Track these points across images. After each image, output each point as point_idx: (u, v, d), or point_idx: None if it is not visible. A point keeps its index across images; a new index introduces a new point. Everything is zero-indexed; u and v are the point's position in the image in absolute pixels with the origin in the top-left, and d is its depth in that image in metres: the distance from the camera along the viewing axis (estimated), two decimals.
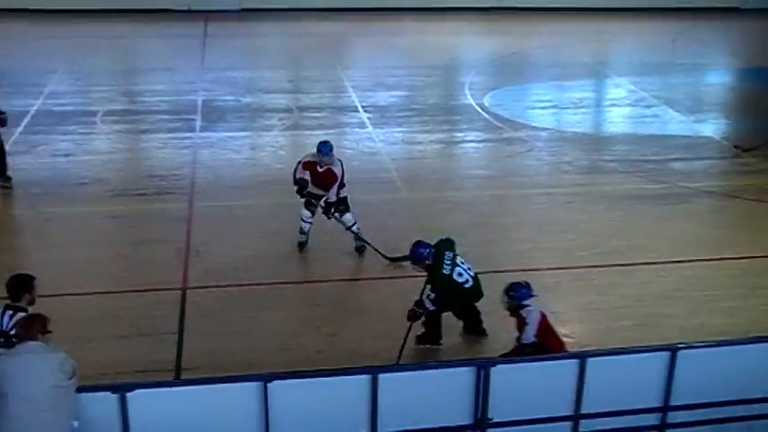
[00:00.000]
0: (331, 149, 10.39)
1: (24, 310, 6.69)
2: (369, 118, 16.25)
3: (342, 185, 10.56)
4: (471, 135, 15.75)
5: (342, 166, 10.53)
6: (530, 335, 7.89)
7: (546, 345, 7.87)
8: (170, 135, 15.16)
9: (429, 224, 11.60)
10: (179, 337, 8.81)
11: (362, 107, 16.89)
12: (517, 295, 8.14)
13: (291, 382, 6.70)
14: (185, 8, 26.06)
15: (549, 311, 9.41)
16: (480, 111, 16.89)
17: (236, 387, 6.63)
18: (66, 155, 14.05)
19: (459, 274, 8.75)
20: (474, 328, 9.15)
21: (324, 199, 10.53)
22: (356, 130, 15.70)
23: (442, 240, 9.01)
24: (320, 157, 10.35)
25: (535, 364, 7.18)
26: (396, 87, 18.60)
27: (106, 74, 19.44)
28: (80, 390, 6.07)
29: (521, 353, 7.80)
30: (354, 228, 10.70)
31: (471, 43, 24.12)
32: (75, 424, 5.99)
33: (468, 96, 17.86)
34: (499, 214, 12.24)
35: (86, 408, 6.19)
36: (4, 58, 20.11)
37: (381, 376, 6.62)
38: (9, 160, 12.88)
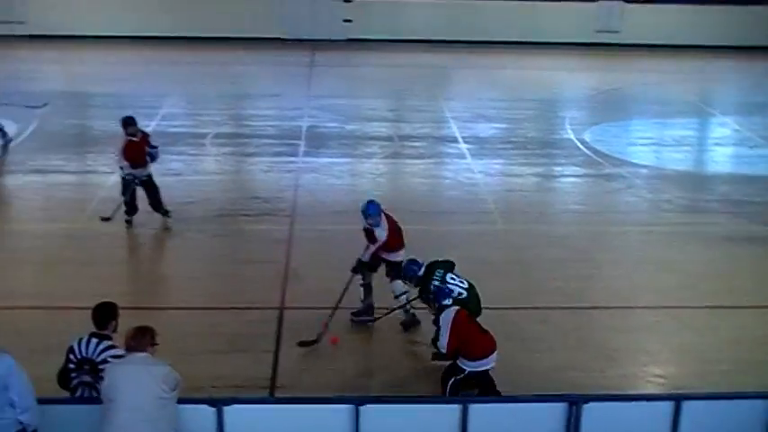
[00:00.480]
0: (373, 212, 9.73)
1: (109, 338, 6.74)
2: (468, 149, 16.40)
3: (390, 249, 9.78)
4: (570, 170, 15.73)
5: (391, 228, 9.78)
6: (443, 343, 7.86)
7: (468, 344, 7.88)
8: (275, 159, 15.65)
9: (524, 257, 11.71)
10: (275, 355, 9.09)
11: (462, 138, 17.05)
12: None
13: (383, 407, 6.84)
14: (293, 37, 26.79)
15: (644, 350, 9.44)
16: (580, 146, 16.84)
17: (328, 409, 6.84)
18: (177, 174, 14.64)
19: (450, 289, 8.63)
20: None
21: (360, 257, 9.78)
22: (455, 160, 15.87)
23: (438, 261, 8.92)
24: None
25: (629, 403, 7.17)
26: (496, 120, 18.71)
27: (216, 98, 20.16)
28: (180, 402, 6.34)
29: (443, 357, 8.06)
30: (402, 298, 9.64)
31: (573, 78, 24.05)
32: None
33: (569, 131, 17.84)
34: (596, 250, 12.19)
35: (185, 419, 6.47)
36: (124, 82, 21.13)
37: (472, 407, 6.73)
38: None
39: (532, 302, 10.45)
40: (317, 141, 16.71)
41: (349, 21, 27.06)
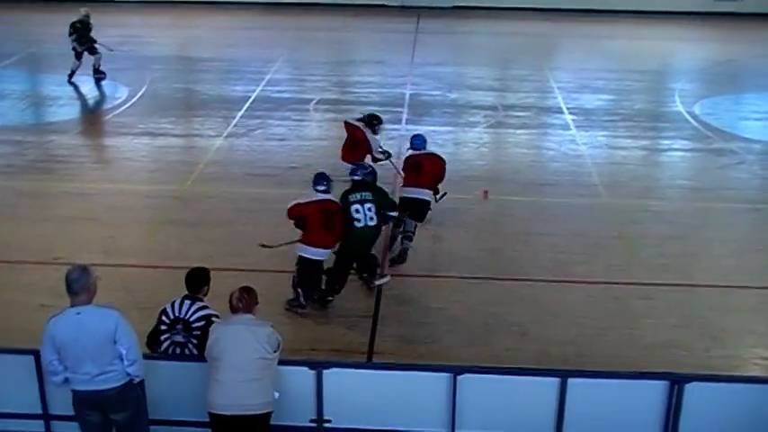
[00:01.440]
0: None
1: (202, 300, 6.98)
2: (573, 120, 16.11)
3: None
4: (678, 143, 15.27)
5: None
6: None
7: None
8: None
9: (628, 231, 11.48)
10: (373, 321, 9.17)
11: (567, 109, 16.76)
12: None
13: (481, 377, 6.84)
14: (399, 4, 26.73)
15: (750, 331, 9.16)
16: (690, 119, 16.33)
17: (427, 376, 6.90)
18: (281, 139, 14.88)
19: (357, 211, 9.08)
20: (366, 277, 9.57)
21: None
22: (560, 131, 15.61)
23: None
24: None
25: (733, 385, 6.97)
26: (603, 91, 18.30)
27: (321, 65, 20.33)
28: (281, 363, 6.50)
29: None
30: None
31: (685, 49, 23.30)
32: (276, 395, 6.41)
33: (678, 103, 17.31)
34: (703, 227, 11.84)
35: (286, 380, 6.63)
36: (232, 48, 21.57)
37: (571, 381, 6.68)
38: (229, 141, 13.89)
39: (636, 278, 10.23)
40: (421, 109, 16.68)
41: None
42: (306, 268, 9.10)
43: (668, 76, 20.16)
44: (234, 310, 6.46)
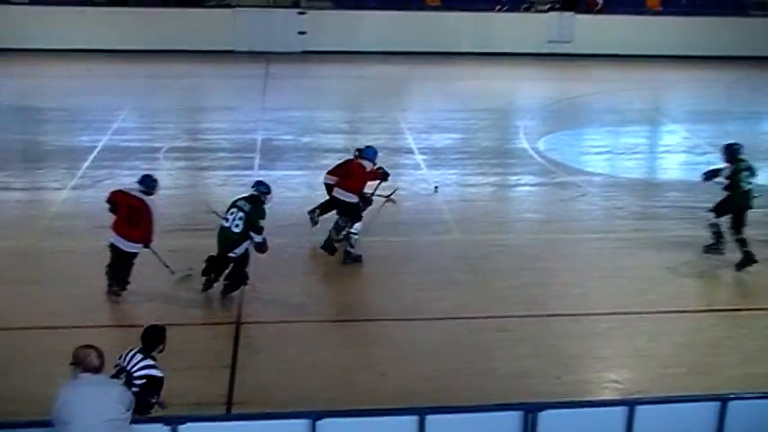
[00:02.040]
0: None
1: (153, 357, 7.01)
2: (424, 160, 16.46)
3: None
4: (525, 179, 15.86)
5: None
6: None
7: None
8: (230, 173, 15.54)
9: (480, 266, 11.78)
10: (231, 371, 9.02)
11: (418, 149, 17.12)
12: None
13: (340, 420, 6.82)
14: (248, 50, 26.73)
15: (598, 357, 9.54)
16: (534, 155, 17.00)
17: (285, 424, 6.81)
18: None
19: (231, 214, 10.26)
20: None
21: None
22: (411, 171, 15.89)
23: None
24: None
25: (583, 410, 7.23)
26: (451, 130, 18.81)
27: (170, 112, 20.04)
28: (134, 421, 6.29)
29: None
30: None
31: (527, 88, 24.30)
32: None
33: (523, 140, 17.99)
34: (550, 258, 12.28)
35: None
36: (76, 96, 20.93)
37: (429, 417, 6.74)
38: (75, 194, 13.43)
39: (489, 311, 10.51)
40: (273, 154, 16.64)
41: (303, 33, 27.07)
42: (112, 256, 10.21)
43: (512, 114, 20.90)
44: (88, 368, 6.18)
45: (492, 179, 15.76)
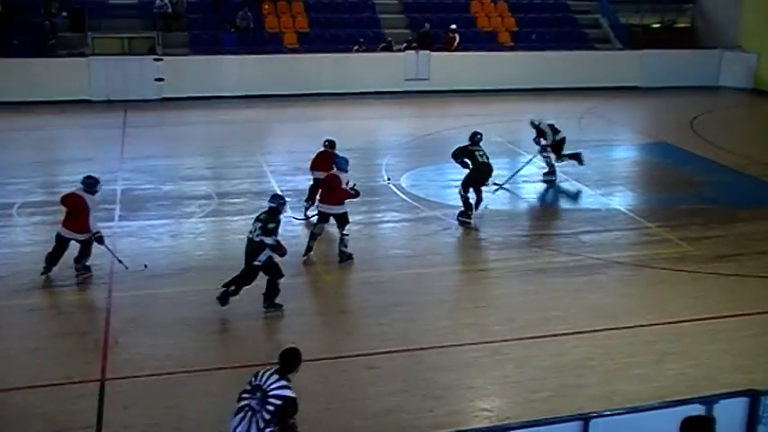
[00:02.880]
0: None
1: (288, 378, 7.25)
2: (288, 202, 16.40)
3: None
4: (389, 215, 16.06)
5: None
6: None
7: None
8: None
9: (349, 305, 11.84)
10: (97, 430, 8.72)
11: (282, 192, 17.07)
12: None
13: None
14: (105, 98, 26.16)
15: (469, 387, 9.72)
16: (397, 191, 17.28)
17: None
18: None
19: (252, 225, 11.52)
20: None
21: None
22: None
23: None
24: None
25: None
26: None
27: (24, 166, 19.26)
28: None
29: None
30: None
31: (388, 126, 24.72)
32: None
33: (385, 177, 18.24)
34: (418, 292, 12.47)
35: None
36: None
37: None
38: None
39: (360, 349, 10.57)
40: (134, 204, 16.27)
41: (161, 80, 26.75)
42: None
43: (374, 152, 21.12)
44: None
45: (357, 217, 15.79)
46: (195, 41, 28.97)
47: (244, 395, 7.26)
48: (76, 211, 12.44)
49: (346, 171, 13.97)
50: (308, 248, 13.64)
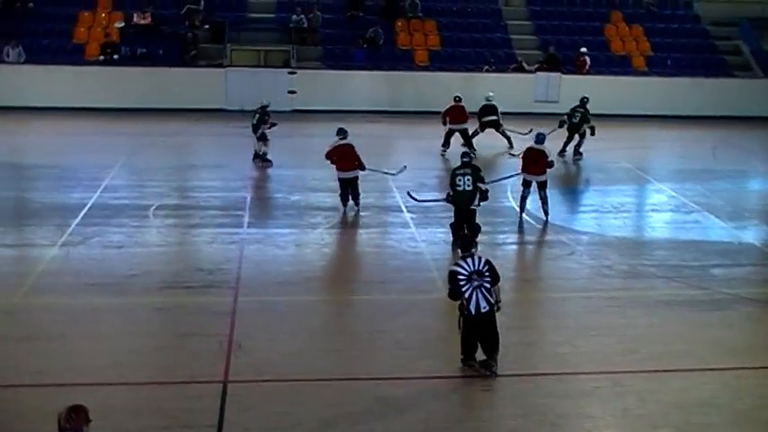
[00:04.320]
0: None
1: None
2: (412, 218, 16.55)
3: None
4: (512, 237, 15.94)
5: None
6: None
7: None
8: (219, 230, 15.59)
9: None
10: (218, 430, 8.96)
11: (406, 207, 17.21)
12: None
13: None
14: (239, 108, 26.99)
15: (587, 416, 9.52)
16: (522, 213, 17.10)
17: None
18: (119, 247, 14.50)
19: (459, 179, 14.44)
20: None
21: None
22: (399, 229, 15.99)
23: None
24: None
25: None
26: (439, 188, 18.85)
27: (161, 169, 20.09)
28: None
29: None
30: None
31: (515, 147, 24.46)
32: None
33: (510, 198, 18.11)
34: (538, 317, 12.33)
35: None
36: (66, 154, 21.08)
37: None
38: (64, 251, 13.48)
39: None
40: (262, 212, 16.73)
41: (293, 92, 27.40)
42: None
43: (502, 171, 20.82)
44: (62, 430, 6.15)
45: (480, 238, 15.76)
46: (328, 56, 29.55)
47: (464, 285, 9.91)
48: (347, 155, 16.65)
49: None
50: (521, 208, 16.50)
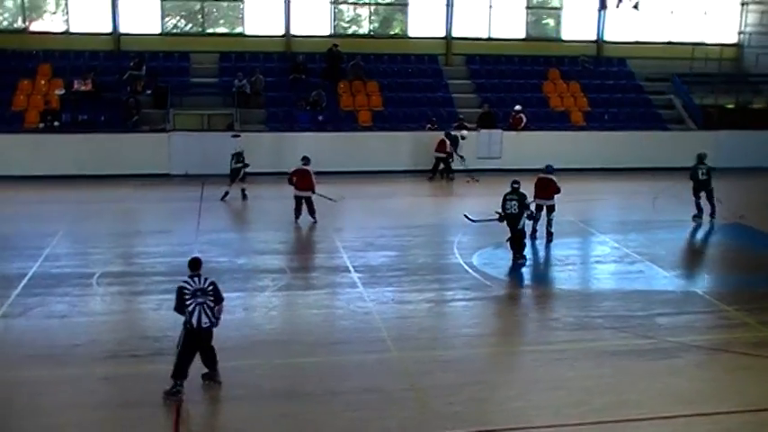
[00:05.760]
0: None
1: None
2: (360, 278, 16.53)
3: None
4: (460, 294, 15.99)
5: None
6: None
7: None
8: (165, 296, 15.28)
9: (420, 383, 11.75)
10: None
11: (353, 267, 17.21)
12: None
13: None
14: (183, 173, 26.91)
15: None
16: (469, 269, 17.22)
17: None
18: (62, 316, 14.21)
19: (507, 204, 17.78)
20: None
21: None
22: (348, 290, 15.94)
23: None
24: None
25: None
26: (386, 248, 18.97)
27: (105, 236, 19.85)
28: None
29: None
30: None
31: (460, 203, 24.68)
32: None
33: (457, 255, 18.24)
34: (490, 372, 12.34)
35: None
36: (7, 223, 20.66)
37: None
38: (4, 322, 13.12)
39: (431, 429, 10.46)
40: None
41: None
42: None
43: (445, 229, 21.18)
44: None
45: (428, 295, 15.84)
46: (272, 118, 29.72)
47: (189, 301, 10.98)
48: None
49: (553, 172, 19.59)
50: (534, 230, 19.50)
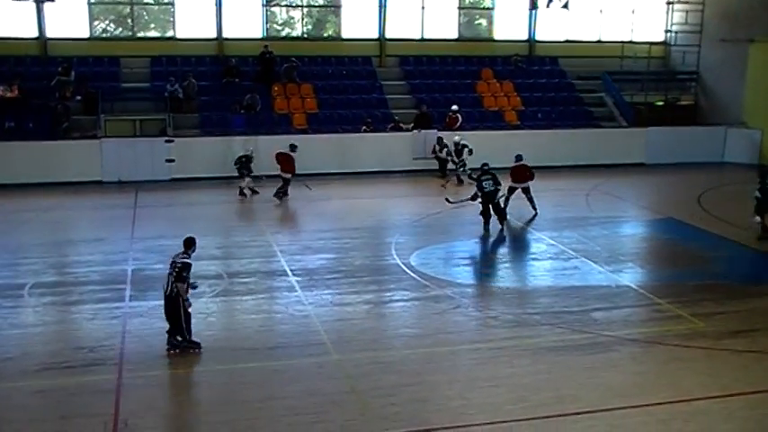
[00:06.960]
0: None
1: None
2: (298, 281, 16.47)
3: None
4: (399, 294, 16.04)
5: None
6: None
7: None
8: (99, 305, 15.12)
9: (359, 385, 11.76)
10: None
11: (291, 271, 17.13)
12: None
13: None
14: (116, 179, 26.47)
15: None
16: (407, 270, 17.28)
17: None
18: None
19: (485, 182, 20.54)
20: None
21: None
22: (286, 293, 15.87)
23: None
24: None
25: None
26: (323, 250, 18.93)
27: (36, 246, 19.39)
28: None
29: None
30: None
31: (397, 205, 24.85)
32: None
33: (395, 256, 18.29)
34: (429, 372, 12.39)
35: None
36: None
37: None
38: None
39: (371, 430, 10.47)
40: (144, 284, 16.28)
41: (172, 160, 27.06)
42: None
43: (383, 231, 21.19)
44: None
45: (367, 297, 15.87)
46: (206, 123, 29.41)
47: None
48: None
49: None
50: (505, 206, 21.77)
